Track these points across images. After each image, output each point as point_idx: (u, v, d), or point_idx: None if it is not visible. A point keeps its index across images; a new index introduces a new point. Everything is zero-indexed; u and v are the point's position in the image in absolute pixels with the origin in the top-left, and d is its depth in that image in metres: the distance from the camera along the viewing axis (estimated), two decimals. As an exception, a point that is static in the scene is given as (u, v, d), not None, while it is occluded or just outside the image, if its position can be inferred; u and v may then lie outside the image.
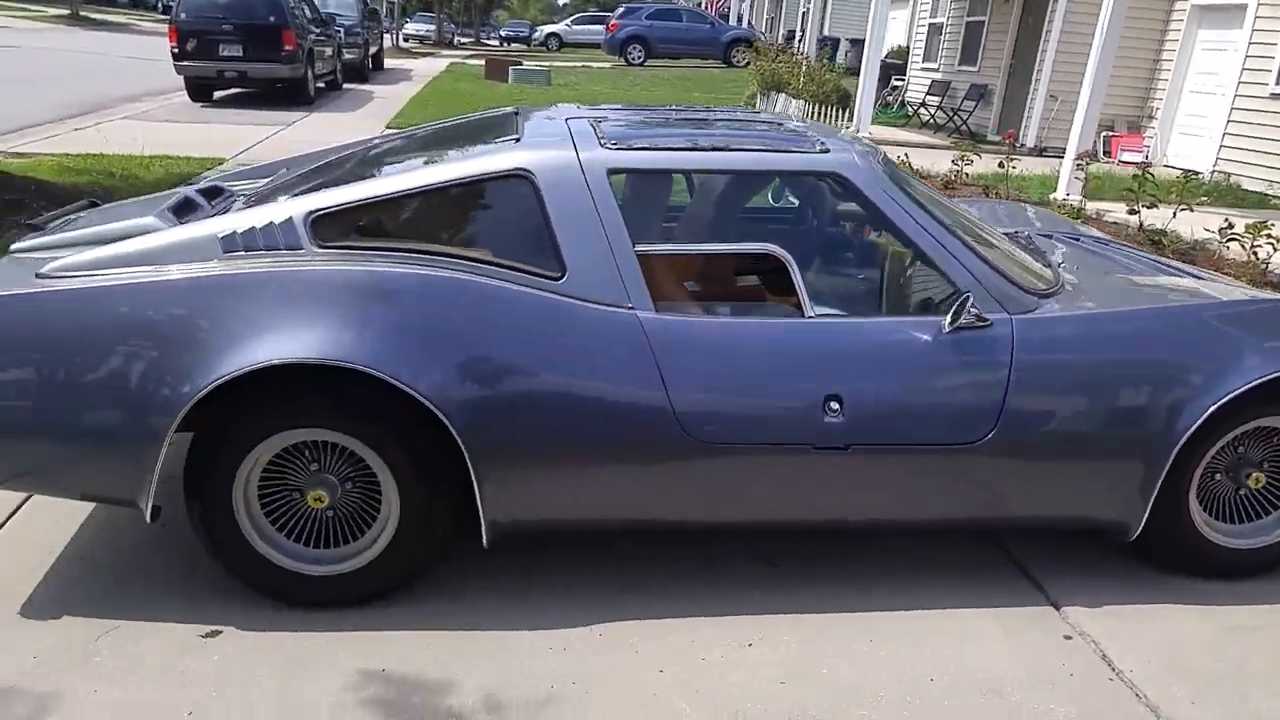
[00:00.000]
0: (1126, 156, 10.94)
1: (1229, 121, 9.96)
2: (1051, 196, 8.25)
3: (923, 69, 15.16)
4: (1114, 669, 2.26)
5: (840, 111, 12.15)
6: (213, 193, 2.83)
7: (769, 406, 2.25)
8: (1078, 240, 3.41)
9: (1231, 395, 2.31)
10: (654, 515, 2.32)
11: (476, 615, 2.35)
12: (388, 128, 11.05)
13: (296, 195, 2.28)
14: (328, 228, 2.23)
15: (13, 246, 2.45)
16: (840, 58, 17.07)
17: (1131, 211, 6.31)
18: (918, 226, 2.38)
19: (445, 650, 2.22)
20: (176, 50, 11.62)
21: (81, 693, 2.04)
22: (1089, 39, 11.57)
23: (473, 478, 2.16)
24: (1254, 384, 2.33)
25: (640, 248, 2.27)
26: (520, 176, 2.27)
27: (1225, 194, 9.06)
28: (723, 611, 2.42)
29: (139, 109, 11.78)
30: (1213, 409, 2.32)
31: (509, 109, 3.12)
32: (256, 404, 2.15)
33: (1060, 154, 10.95)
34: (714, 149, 2.41)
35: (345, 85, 15.35)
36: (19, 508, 2.73)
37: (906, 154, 8.38)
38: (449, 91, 15.22)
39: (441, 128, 3.16)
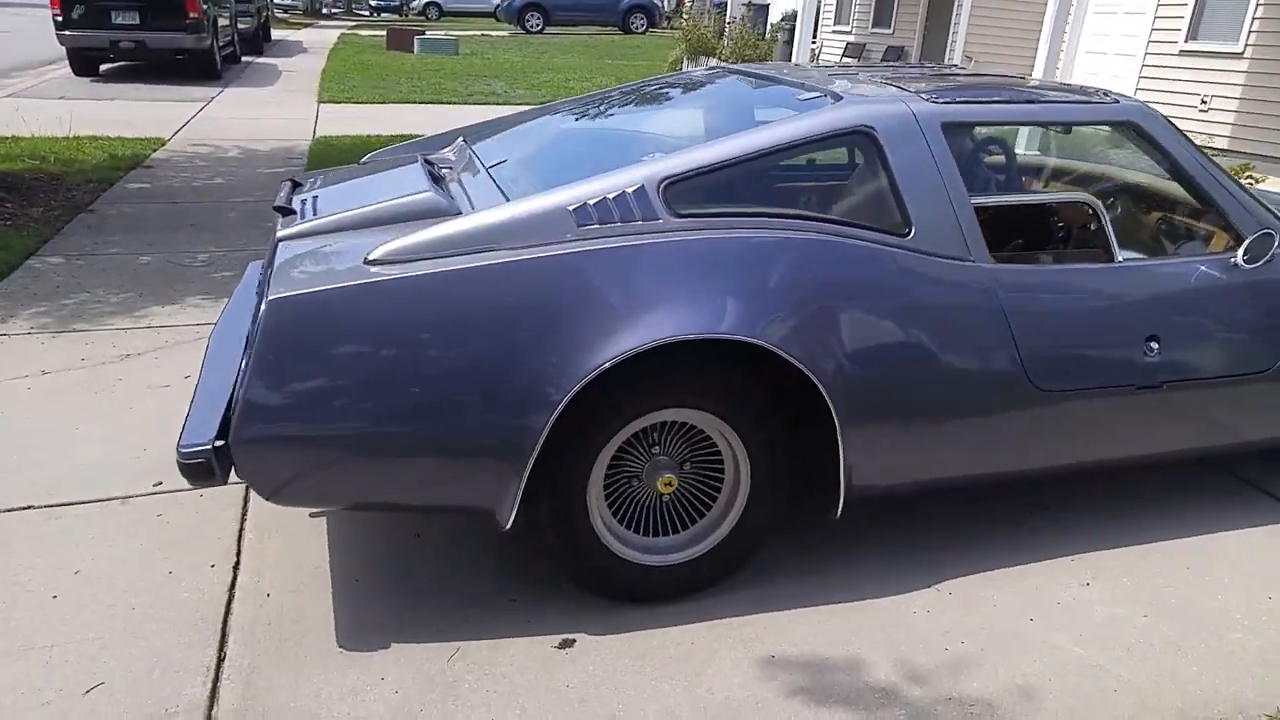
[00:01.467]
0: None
1: (1140, 79, 10.72)
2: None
3: (835, 31, 15.50)
4: None
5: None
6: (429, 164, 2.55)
7: (1103, 350, 2.30)
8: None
9: None
10: (997, 468, 2.31)
11: (812, 589, 2.26)
12: (319, 103, 10.30)
13: (637, 162, 2.07)
14: (679, 194, 2.05)
15: (280, 234, 2.11)
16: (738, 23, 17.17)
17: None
18: (1207, 174, 2.47)
19: (815, 628, 2.13)
20: (60, 18, 10.33)
21: (475, 723, 1.83)
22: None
23: (840, 444, 2.07)
24: None
25: (974, 200, 2.22)
26: (863, 133, 2.17)
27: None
28: (1034, 558, 2.44)
29: (18, 85, 10.46)
30: None
31: (707, 71, 2.96)
32: (622, 388, 1.95)
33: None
34: (1029, 101, 2.39)
35: (242, 58, 14.17)
36: (241, 525, 2.40)
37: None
38: (359, 63, 14.29)
39: (644, 91, 2.94)
